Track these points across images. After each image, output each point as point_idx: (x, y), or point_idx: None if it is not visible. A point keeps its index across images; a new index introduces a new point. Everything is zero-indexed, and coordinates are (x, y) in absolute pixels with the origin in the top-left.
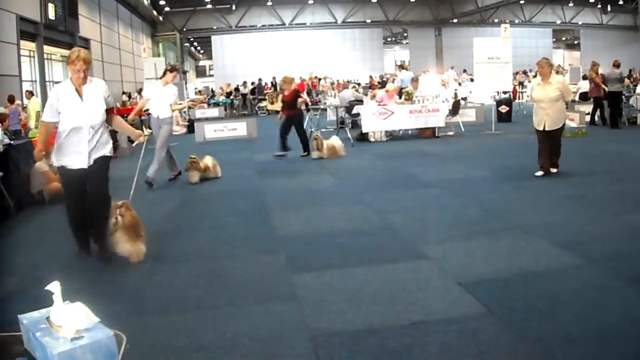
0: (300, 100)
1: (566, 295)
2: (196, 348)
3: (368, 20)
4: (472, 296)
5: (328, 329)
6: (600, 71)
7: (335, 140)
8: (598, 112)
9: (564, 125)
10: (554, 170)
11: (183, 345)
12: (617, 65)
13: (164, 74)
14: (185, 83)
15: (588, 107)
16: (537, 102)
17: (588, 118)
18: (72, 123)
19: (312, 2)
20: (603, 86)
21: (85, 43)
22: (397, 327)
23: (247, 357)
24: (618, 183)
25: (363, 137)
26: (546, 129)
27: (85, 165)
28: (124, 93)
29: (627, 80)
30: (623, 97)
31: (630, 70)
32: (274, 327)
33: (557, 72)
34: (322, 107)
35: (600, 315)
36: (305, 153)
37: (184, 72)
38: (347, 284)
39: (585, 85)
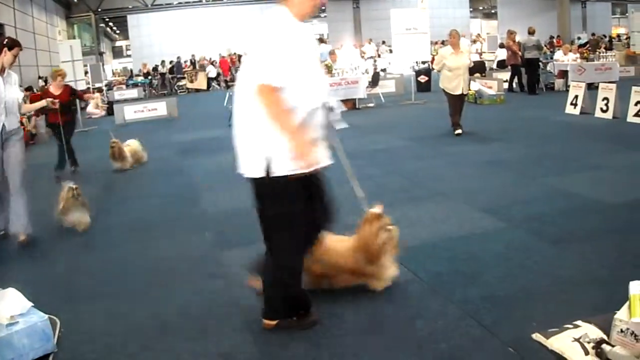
0: (87, 97)
1: (490, 257)
2: (131, 330)
3: None
4: (398, 263)
5: (258, 305)
6: (517, 39)
7: (133, 143)
8: (516, 79)
9: None
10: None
11: (118, 329)
12: (532, 32)
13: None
14: (103, 65)
15: (506, 75)
16: (453, 69)
17: (506, 85)
18: None
19: None
20: (519, 53)
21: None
22: (328, 296)
23: (181, 335)
24: (536, 148)
25: None
26: (463, 92)
27: None
28: (40, 78)
29: (544, 47)
30: (540, 63)
31: (551, 37)
32: (205, 304)
33: (475, 42)
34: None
35: (524, 275)
36: (59, 172)
37: (101, 54)
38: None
39: (502, 54)
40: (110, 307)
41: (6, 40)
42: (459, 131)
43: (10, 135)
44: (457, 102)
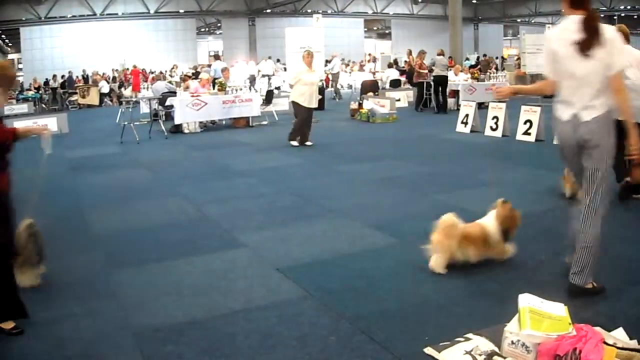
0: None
1: (382, 273)
2: (17, 356)
3: (181, 11)
4: (291, 281)
5: (151, 325)
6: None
7: None
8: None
9: None
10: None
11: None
12: (441, 53)
13: None
14: None
15: (397, 94)
16: (308, 84)
17: (400, 104)
18: None
19: None
20: (426, 72)
21: None
22: (219, 316)
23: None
24: (427, 165)
25: (177, 129)
26: (314, 106)
27: None
28: None
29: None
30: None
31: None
32: (96, 327)
33: (369, 61)
34: (134, 99)
35: (415, 289)
36: None
37: None
38: (167, 278)
39: (393, 74)
40: None
41: None
42: (296, 143)
43: None
44: (310, 115)
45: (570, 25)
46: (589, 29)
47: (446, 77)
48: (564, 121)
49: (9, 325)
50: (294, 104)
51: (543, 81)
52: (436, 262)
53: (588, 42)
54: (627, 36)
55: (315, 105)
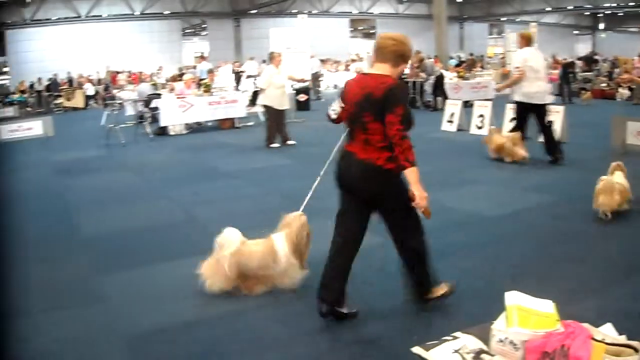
0: None
1: (370, 273)
2: None
3: (166, 12)
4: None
5: (142, 328)
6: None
7: None
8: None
9: None
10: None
11: None
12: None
13: None
14: None
15: None
16: (279, 87)
17: None
18: None
19: None
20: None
21: None
22: (210, 318)
23: None
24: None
25: (163, 131)
26: (287, 107)
27: None
28: None
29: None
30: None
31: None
32: (84, 332)
33: (354, 61)
34: (118, 102)
35: (401, 287)
36: None
37: None
38: (157, 280)
39: None
40: None
41: None
42: (276, 145)
43: None
44: (283, 117)
45: None
46: None
47: (442, 76)
48: None
49: None
50: (266, 107)
51: None
52: None
53: None
54: (527, 40)
55: (286, 106)
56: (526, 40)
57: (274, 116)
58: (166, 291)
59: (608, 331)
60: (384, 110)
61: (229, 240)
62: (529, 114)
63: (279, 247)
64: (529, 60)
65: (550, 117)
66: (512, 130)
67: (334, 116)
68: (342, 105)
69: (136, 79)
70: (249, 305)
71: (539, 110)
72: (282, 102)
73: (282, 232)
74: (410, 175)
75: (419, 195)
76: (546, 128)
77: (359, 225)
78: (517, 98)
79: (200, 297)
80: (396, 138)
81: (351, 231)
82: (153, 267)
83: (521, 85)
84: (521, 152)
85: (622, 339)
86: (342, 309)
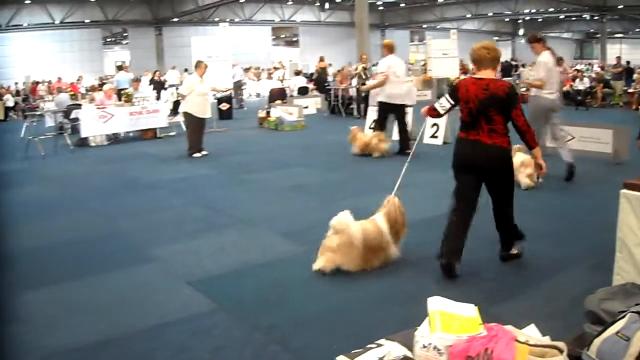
0: None
1: (294, 282)
2: None
3: (87, 20)
4: (202, 294)
5: (65, 346)
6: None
7: None
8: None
9: None
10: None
11: None
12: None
13: None
14: None
15: (306, 101)
16: (202, 95)
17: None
18: None
19: (29, 1)
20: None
21: None
22: (134, 333)
23: None
24: (336, 171)
25: (83, 142)
26: (208, 116)
27: None
28: None
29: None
30: None
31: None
32: (6, 352)
33: (277, 69)
34: (38, 112)
35: (328, 297)
36: None
37: None
38: (79, 296)
39: (301, 81)
40: None
41: None
42: (198, 154)
43: None
44: (203, 125)
45: None
46: None
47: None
48: None
49: None
50: (187, 115)
51: None
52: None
53: None
54: (390, 48)
55: (208, 115)
56: (389, 49)
57: (194, 124)
58: (90, 305)
59: (532, 332)
60: (509, 107)
61: (350, 221)
62: (390, 114)
63: (382, 226)
64: (392, 67)
65: (408, 117)
66: (375, 129)
67: (442, 111)
68: (452, 102)
69: (55, 89)
70: (172, 319)
71: (399, 110)
72: (204, 110)
73: (381, 213)
74: (537, 152)
75: (544, 164)
76: (403, 125)
77: (476, 197)
78: (380, 99)
79: (125, 311)
80: (525, 126)
81: (470, 202)
82: (77, 281)
83: (384, 87)
84: (384, 146)
85: (546, 340)
86: (458, 264)
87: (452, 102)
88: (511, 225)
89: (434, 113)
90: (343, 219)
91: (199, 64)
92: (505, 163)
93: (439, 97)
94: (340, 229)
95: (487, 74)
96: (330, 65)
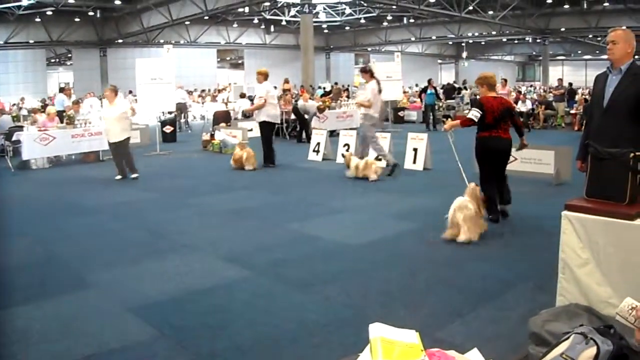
0: None
1: (236, 307)
2: None
3: (31, 41)
4: (143, 321)
5: None
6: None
7: None
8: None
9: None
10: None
11: None
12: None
13: None
14: None
15: (250, 124)
16: (107, 119)
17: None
18: None
19: None
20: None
21: None
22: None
23: None
24: (279, 194)
25: (25, 165)
26: (117, 140)
27: None
28: None
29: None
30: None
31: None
32: None
33: (220, 91)
34: None
35: (270, 321)
36: None
37: None
38: (13, 325)
39: (244, 104)
40: None
41: None
42: (119, 177)
43: None
44: (116, 150)
45: None
46: None
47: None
48: None
49: None
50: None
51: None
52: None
53: None
54: (265, 76)
55: (113, 139)
56: (264, 76)
57: (110, 149)
58: (26, 335)
59: (474, 357)
60: (512, 115)
61: (465, 198)
62: (272, 130)
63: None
64: (270, 92)
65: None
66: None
67: (476, 120)
68: (481, 113)
69: None
70: (111, 347)
71: (274, 127)
72: (110, 134)
73: (466, 197)
74: (524, 139)
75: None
76: (270, 141)
77: (496, 174)
78: (262, 119)
79: (62, 340)
80: (520, 124)
81: (495, 176)
82: (12, 309)
83: (266, 109)
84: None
85: None
86: (505, 206)
87: (481, 112)
88: (506, 185)
89: (469, 122)
90: (464, 200)
91: (106, 90)
92: (510, 148)
93: (386, 120)
94: (464, 206)
95: (495, 93)
96: (275, 87)
